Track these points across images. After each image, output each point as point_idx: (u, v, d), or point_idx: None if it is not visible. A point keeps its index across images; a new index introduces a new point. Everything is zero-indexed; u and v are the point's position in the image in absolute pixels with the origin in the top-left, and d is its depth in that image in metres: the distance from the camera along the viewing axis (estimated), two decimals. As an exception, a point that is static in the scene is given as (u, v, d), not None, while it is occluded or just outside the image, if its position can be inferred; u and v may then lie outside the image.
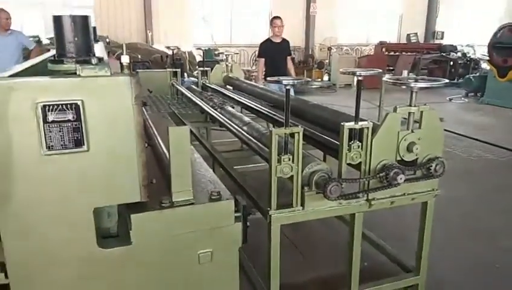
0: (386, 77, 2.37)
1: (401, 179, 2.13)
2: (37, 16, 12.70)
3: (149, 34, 13.12)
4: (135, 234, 1.62)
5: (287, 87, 2.02)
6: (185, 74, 9.56)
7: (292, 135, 2.03)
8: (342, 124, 2.10)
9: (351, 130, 2.10)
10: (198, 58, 11.95)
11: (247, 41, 15.04)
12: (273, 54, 6.10)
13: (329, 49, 14.59)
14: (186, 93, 4.45)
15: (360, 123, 2.12)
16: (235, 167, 2.93)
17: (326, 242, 3.34)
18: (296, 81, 2.10)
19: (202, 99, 4.02)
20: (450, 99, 10.73)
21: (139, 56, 10.16)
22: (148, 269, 1.68)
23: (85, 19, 1.54)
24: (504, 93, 9.56)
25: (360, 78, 2.14)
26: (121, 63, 1.59)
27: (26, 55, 6.51)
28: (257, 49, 12.62)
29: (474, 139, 6.39)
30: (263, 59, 6.15)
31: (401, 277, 2.66)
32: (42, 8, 12.62)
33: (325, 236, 3.42)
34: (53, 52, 1.93)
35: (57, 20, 1.50)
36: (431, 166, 2.28)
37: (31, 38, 7.59)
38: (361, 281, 2.48)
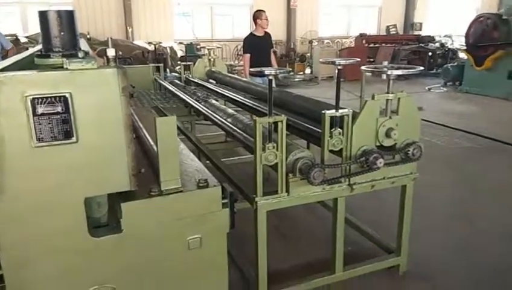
0: (365, 67, 2.46)
1: (380, 163, 2.22)
2: (13, 14, 12.45)
3: (129, 30, 12.98)
4: (126, 222, 1.67)
5: (270, 78, 2.09)
6: (167, 69, 9.53)
7: (276, 124, 2.10)
8: (323, 112, 2.18)
9: (332, 117, 2.19)
10: (180, 54, 11.92)
11: (229, 35, 15.03)
12: (258, 48, 6.12)
13: (311, 42, 14.71)
14: (170, 87, 4.47)
15: (340, 111, 2.21)
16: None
17: (310, 228, 3.43)
18: (278, 71, 2.16)
19: (186, 93, 4.06)
20: (429, 89, 10.96)
21: (120, 52, 10.06)
22: (139, 257, 1.73)
23: (70, 13, 1.57)
24: (481, 82, 9.82)
25: (339, 67, 2.22)
26: (106, 56, 1.63)
27: (4, 55, 6.38)
28: (239, 43, 12.59)
29: (452, 128, 6.57)
30: (249, 55, 6.14)
31: (383, 258, 2.77)
32: (19, 6, 12.37)
33: (310, 223, 3.52)
34: (38, 47, 1.96)
35: (43, 16, 1.53)
36: (409, 150, 2.38)
37: (8, 38, 7.44)
38: (345, 263, 2.59)
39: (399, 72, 2.26)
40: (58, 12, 1.54)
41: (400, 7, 18.34)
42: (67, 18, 1.56)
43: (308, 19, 16.03)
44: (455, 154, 5.42)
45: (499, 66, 9.49)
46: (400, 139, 2.38)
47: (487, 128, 6.46)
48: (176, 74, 8.40)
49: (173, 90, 4.28)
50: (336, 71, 2.29)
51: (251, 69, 2.40)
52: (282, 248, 3.02)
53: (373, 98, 2.27)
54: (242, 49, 6.56)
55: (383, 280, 2.69)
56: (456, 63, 11.82)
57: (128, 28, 12.88)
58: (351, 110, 2.24)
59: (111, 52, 1.62)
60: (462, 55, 12.29)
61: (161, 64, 5.28)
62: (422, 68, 2.42)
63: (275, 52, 6.78)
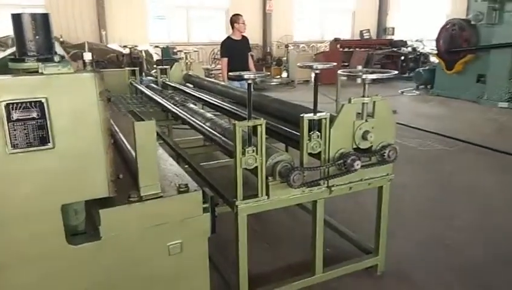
0: (341, 71, 2.51)
1: (357, 165, 2.27)
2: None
3: (103, 34, 12.76)
4: (104, 229, 1.64)
5: (249, 82, 2.10)
6: (143, 73, 9.41)
7: (255, 127, 2.11)
8: (302, 115, 2.20)
9: (310, 121, 2.22)
10: (155, 57, 11.79)
11: (205, 39, 14.98)
12: (236, 52, 6.13)
13: (287, 46, 14.83)
14: (147, 91, 4.42)
15: (318, 114, 2.24)
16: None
17: (289, 231, 3.46)
18: (257, 75, 2.18)
19: (164, 98, 4.02)
20: (402, 92, 11.23)
21: (94, 56, 9.89)
22: (119, 264, 1.71)
23: (45, 16, 1.54)
24: (451, 85, 10.14)
25: (317, 71, 2.26)
26: (83, 60, 1.61)
27: None
28: (216, 47, 12.54)
29: (424, 130, 6.75)
30: (226, 59, 6.14)
31: (362, 258, 2.82)
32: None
33: (288, 225, 3.54)
34: (10, 51, 1.90)
35: (17, 19, 1.49)
36: (384, 152, 2.44)
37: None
38: (325, 265, 2.61)
39: (374, 76, 2.31)
40: (33, 15, 1.51)
41: (372, 12, 18.74)
42: (42, 21, 1.53)
43: (283, 23, 16.16)
44: (428, 155, 5.57)
45: (468, 70, 9.82)
46: (376, 141, 2.43)
47: (458, 130, 6.66)
48: (152, 78, 8.31)
49: (150, 94, 4.23)
50: (313, 75, 2.32)
51: (230, 73, 2.40)
52: (262, 251, 3.03)
53: (350, 101, 2.31)
54: (220, 53, 6.55)
55: (361, 280, 2.74)
56: (427, 67, 12.16)
57: (102, 31, 12.67)
58: (328, 114, 2.27)
59: (87, 56, 1.60)
60: (433, 59, 12.67)
61: (137, 68, 5.20)
62: (396, 72, 2.48)
63: (252, 56, 6.80)
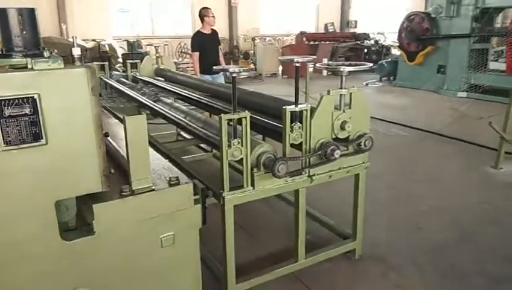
0: (319, 64, 2.60)
1: (337, 154, 2.37)
2: None
3: (63, 27, 12.31)
4: (98, 223, 1.65)
5: (234, 75, 2.14)
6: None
7: (240, 120, 2.16)
8: (284, 107, 2.27)
9: (292, 112, 2.29)
10: (120, 51, 11.53)
11: (170, 32, 14.77)
12: (207, 46, 6.11)
13: (253, 39, 14.87)
14: (119, 86, 4.36)
15: (299, 106, 2.31)
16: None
17: (270, 222, 3.54)
18: (242, 68, 2.22)
19: (137, 92, 3.98)
20: (367, 84, 11.56)
21: (56, 51, 9.52)
22: (112, 257, 1.72)
23: (32, 11, 1.52)
24: (413, 76, 10.55)
25: (297, 64, 2.33)
26: (72, 56, 1.59)
27: None
28: (182, 40, 12.40)
29: (389, 121, 7.02)
30: (198, 53, 6.11)
31: (340, 243, 2.94)
32: None
33: (269, 216, 3.63)
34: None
35: (2, 13, 1.46)
36: (361, 141, 2.55)
37: None
38: (306, 251, 2.71)
39: (351, 68, 2.41)
40: (19, 10, 1.49)
41: (336, 5, 19.09)
42: (29, 16, 1.52)
43: (249, 16, 16.17)
44: (393, 144, 5.80)
45: (429, 61, 10.25)
46: (353, 131, 2.54)
47: (419, 119, 6.97)
48: (118, 72, 8.13)
49: (123, 89, 4.17)
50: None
51: (215, 67, 2.44)
52: (245, 242, 3.09)
53: (328, 93, 2.40)
54: (191, 47, 6.50)
55: (341, 264, 2.86)
56: (390, 59, 12.57)
57: (62, 24, 12.21)
58: (309, 105, 2.36)
59: (76, 51, 1.59)
60: (395, 51, 13.10)
61: (106, 63, 5.10)
62: (371, 64, 2.60)
63: (221, 49, 6.80)
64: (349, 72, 2.43)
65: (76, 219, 1.75)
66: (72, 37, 1.71)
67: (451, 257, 2.96)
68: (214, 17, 6.09)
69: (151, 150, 2.25)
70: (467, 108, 8.05)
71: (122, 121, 3.07)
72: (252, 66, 14.09)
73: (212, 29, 6.23)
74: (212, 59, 5.97)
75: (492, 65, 9.16)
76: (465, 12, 9.23)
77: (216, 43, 6.28)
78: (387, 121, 6.97)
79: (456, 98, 9.11)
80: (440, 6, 9.59)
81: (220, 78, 6.02)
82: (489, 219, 3.56)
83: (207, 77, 5.57)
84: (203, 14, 6.08)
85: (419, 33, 10.23)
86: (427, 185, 4.35)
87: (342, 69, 2.40)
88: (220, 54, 6.41)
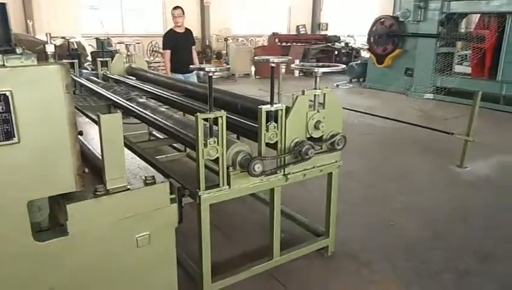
0: (293, 65, 2.63)
1: (311, 153, 2.42)
2: None
3: (30, 24, 11.89)
4: (72, 224, 1.62)
5: (210, 74, 2.15)
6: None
7: (216, 119, 2.17)
8: (260, 107, 2.30)
9: (268, 112, 2.31)
10: (89, 49, 11.25)
11: (141, 31, 14.53)
12: (179, 44, 6.05)
13: (226, 39, 14.85)
14: (89, 85, 4.26)
15: (275, 106, 2.34)
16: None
17: (245, 221, 3.55)
18: (218, 68, 2.23)
19: (109, 91, 3.90)
20: (338, 86, 11.77)
21: (23, 47, 9.19)
22: (87, 258, 1.70)
23: (3, 6, 1.48)
24: (382, 78, 10.83)
25: (273, 64, 2.36)
26: (45, 52, 1.56)
27: None
28: (153, 39, 12.23)
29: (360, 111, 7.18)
30: (169, 51, 6.05)
31: (314, 241, 2.99)
32: None
33: (243, 216, 3.64)
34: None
35: (-29, 8, 1.42)
36: (334, 141, 2.61)
37: None
38: (281, 249, 2.75)
39: (325, 69, 2.46)
40: (-11, 4, 1.44)
41: (307, 8, 19.33)
42: (0, 11, 1.47)
43: (221, 16, 16.14)
44: (363, 144, 5.94)
45: (397, 64, 10.54)
46: (327, 130, 2.60)
47: (388, 120, 7.16)
48: (87, 71, 7.93)
49: (94, 88, 4.08)
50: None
51: (192, 66, 2.42)
52: (220, 241, 3.09)
53: (303, 93, 2.44)
54: (162, 45, 6.44)
55: (315, 261, 2.91)
56: (359, 61, 12.84)
57: (28, 21, 11.80)
58: (284, 105, 2.39)
59: (50, 48, 1.56)
60: (365, 53, 13.40)
61: (76, 61, 4.97)
62: (344, 66, 2.66)
63: (195, 49, 6.75)
64: (323, 73, 2.48)
65: (49, 220, 1.72)
66: (46, 34, 1.67)
67: (423, 254, 3.06)
68: (180, 16, 6.02)
69: (125, 150, 2.23)
70: (433, 109, 8.34)
71: (93, 120, 3.03)
72: (225, 65, 14.13)
73: (186, 29, 6.19)
74: (184, 58, 5.93)
75: (457, 68, 9.54)
76: (432, 16, 9.56)
77: (189, 42, 6.23)
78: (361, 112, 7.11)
79: (423, 99, 9.42)
80: (408, 11, 9.89)
81: (193, 78, 5.98)
82: (457, 216, 3.70)
83: (179, 76, 5.54)
84: (171, 13, 6.07)
85: (388, 36, 10.51)
86: (397, 183, 4.48)
87: (316, 70, 2.45)
88: (194, 53, 6.37)
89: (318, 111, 2.52)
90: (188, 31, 6.21)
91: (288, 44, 14.99)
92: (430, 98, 9.51)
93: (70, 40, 10.35)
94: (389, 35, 10.40)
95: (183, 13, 6.07)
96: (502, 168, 5.02)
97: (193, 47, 6.30)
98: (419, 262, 2.95)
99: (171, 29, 6.22)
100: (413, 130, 5.96)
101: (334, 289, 2.68)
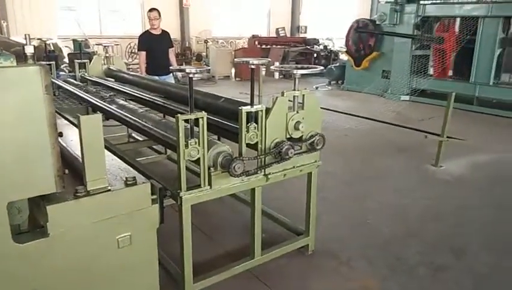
0: (273, 67, 2.68)
1: (291, 153, 2.47)
2: None
3: (4, 25, 11.60)
4: (52, 225, 1.61)
5: (190, 76, 2.17)
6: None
7: (197, 120, 2.19)
8: (240, 108, 2.33)
9: (248, 113, 2.35)
10: (65, 51, 11.06)
11: (119, 32, 14.38)
12: (154, 46, 6.02)
13: (206, 41, 14.85)
14: (67, 87, 4.21)
15: (255, 107, 2.38)
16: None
17: (225, 221, 3.58)
18: (199, 69, 2.25)
19: (88, 93, 3.87)
20: (317, 88, 11.92)
21: (-5, 49, 8.96)
22: (68, 259, 1.69)
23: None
24: (360, 80, 11.02)
25: (253, 66, 2.40)
26: (24, 54, 1.55)
27: None
28: (132, 41, 12.08)
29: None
30: (144, 52, 6.01)
31: (294, 240, 3.04)
32: None
33: (224, 216, 3.66)
34: None
35: None
36: (313, 141, 2.67)
37: None
38: (262, 249, 2.78)
39: (304, 71, 2.51)
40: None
41: (287, 11, 19.51)
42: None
43: (201, 18, 16.13)
44: (341, 145, 6.05)
45: (374, 67, 10.77)
46: (306, 131, 2.65)
47: (364, 121, 7.31)
48: (64, 73, 7.79)
49: (72, 89, 4.03)
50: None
51: (171, 67, 2.44)
52: (201, 242, 3.10)
53: (282, 94, 2.49)
54: (137, 46, 6.39)
55: (295, 260, 2.96)
56: (338, 64, 13.04)
57: (2, 22, 11.51)
58: (264, 106, 2.43)
59: (29, 49, 1.55)
60: (343, 56, 13.61)
61: (53, 62, 4.89)
62: (322, 68, 2.72)
63: (173, 51, 6.71)
64: (303, 74, 2.54)
65: (29, 222, 1.71)
66: (25, 35, 1.66)
67: (399, 250, 3.15)
68: (156, 19, 5.98)
69: (105, 151, 2.23)
70: (409, 111, 8.55)
71: (72, 122, 3.00)
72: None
73: (163, 31, 6.17)
74: (160, 61, 5.91)
75: (432, 70, 9.81)
76: (408, 20, 9.80)
77: (165, 44, 6.19)
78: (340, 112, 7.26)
79: (400, 101, 9.63)
80: (384, 14, 10.12)
81: (169, 80, 5.95)
82: (432, 214, 3.82)
83: (155, 78, 5.50)
84: (147, 15, 6.05)
85: (365, 39, 10.72)
86: (375, 183, 4.58)
87: (295, 72, 2.50)
88: (172, 55, 6.33)
89: (297, 112, 2.57)
90: (164, 33, 6.18)
91: (268, 46, 15.10)
92: (406, 99, 9.74)
93: (47, 42, 10.18)
94: (357, 30, 10.65)
95: (160, 16, 6.02)
96: (475, 167, 5.19)
97: (171, 49, 6.27)
98: (395, 259, 3.03)
99: (146, 31, 6.18)
100: (390, 130, 6.11)
101: (314, 286, 2.73)
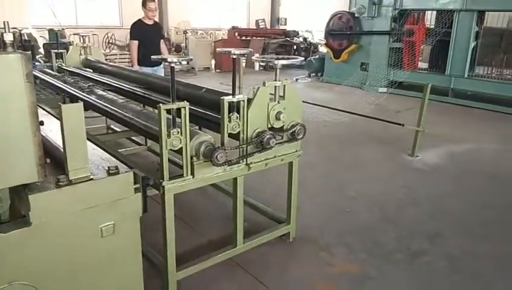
0: (254, 57, 2.70)
1: (273, 142, 2.51)
2: None
3: (-28, 13, 11.19)
4: (34, 214, 1.60)
5: (172, 65, 2.17)
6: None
7: (179, 110, 2.19)
8: (222, 98, 2.35)
9: (230, 103, 2.37)
10: (40, 41, 10.77)
11: (96, 22, 14.06)
12: (147, 36, 5.91)
13: (185, 32, 14.69)
14: (44, 77, 4.13)
15: (236, 97, 2.40)
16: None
17: (207, 212, 3.60)
18: (180, 59, 2.24)
19: (66, 84, 3.80)
20: (297, 80, 12.00)
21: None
22: (50, 249, 1.68)
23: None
24: (339, 72, 11.15)
25: (234, 56, 2.41)
26: (3, 41, 1.53)
27: None
28: (109, 31, 11.88)
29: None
30: (136, 42, 5.88)
31: (276, 228, 3.10)
32: None
33: (205, 207, 3.69)
34: None
35: None
36: (294, 131, 2.71)
37: None
38: (244, 237, 2.82)
39: (284, 62, 2.55)
40: None
41: (266, 2, 19.45)
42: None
43: (180, 8, 15.93)
44: (321, 136, 6.14)
45: (353, 59, 10.90)
46: (287, 121, 2.69)
47: (342, 113, 7.42)
48: (39, 63, 7.61)
49: (49, 80, 3.96)
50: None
51: (153, 57, 2.43)
52: (184, 232, 3.11)
53: (264, 84, 2.52)
54: (129, 35, 6.27)
55: (277, 247, 3.02)
56: (317, 56, 13.14)
57: (-29, 10, 11.09)
58: (246, 96, 2.45)
59: (9, 36, 1.53)
60: (322, 48, 13.71)
61: (29, 52, 4.76)
62: (302, 58, 2.76)
63: (166, 43, 6.60)
64: (283, 65, 2.57)
65: (10, 212, 1.69)
66: (4, 22, 1.62)
67: (377, 237, 3.25)
68: (154, 10, 5.88)
69: (87, 141, 2.21)
70: (387, 102, 8.71)
71: (50, 113, 2.96)
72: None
73: (154, 21, 6.08)
74: (152, 51, 5.80)
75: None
76: (385, 12, 9.96)
77: (157, 35, 6.12)
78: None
79: (378, 93, 9.79)
80: (363, 7, 10.24)
81: (160, 71, 5.87)
82: (407, 201, 3.94)
83: (147, 70, 5.43)
84: (143, 4, 5.90)
85: (344, 31, 10.84)
86: (354, 173, 4.68)
87: (276, 62, 2.53)
88: (164, 47, 6.23)
89: (279, 102, 2.61)
90: (156, 24, 6.12)
91: (248, 38, 15.07)
92: (384, 91, 9.90)
93: (22, 32, 9.91)
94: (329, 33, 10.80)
95: (156, 6, 5.98)
96: (450, 156, 5.37)
97: (162, 40, 6.20)
98: (373, 244, 3.13)
99: (139, 20, 6.04)
100: (368, 122, 6.21)
101: (295, 272, 2.79)
